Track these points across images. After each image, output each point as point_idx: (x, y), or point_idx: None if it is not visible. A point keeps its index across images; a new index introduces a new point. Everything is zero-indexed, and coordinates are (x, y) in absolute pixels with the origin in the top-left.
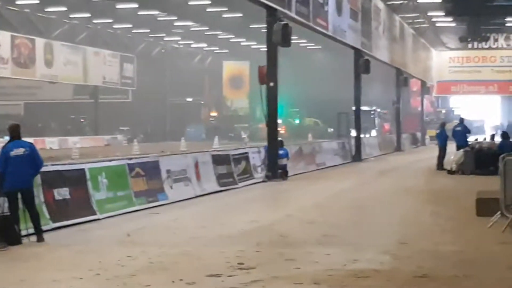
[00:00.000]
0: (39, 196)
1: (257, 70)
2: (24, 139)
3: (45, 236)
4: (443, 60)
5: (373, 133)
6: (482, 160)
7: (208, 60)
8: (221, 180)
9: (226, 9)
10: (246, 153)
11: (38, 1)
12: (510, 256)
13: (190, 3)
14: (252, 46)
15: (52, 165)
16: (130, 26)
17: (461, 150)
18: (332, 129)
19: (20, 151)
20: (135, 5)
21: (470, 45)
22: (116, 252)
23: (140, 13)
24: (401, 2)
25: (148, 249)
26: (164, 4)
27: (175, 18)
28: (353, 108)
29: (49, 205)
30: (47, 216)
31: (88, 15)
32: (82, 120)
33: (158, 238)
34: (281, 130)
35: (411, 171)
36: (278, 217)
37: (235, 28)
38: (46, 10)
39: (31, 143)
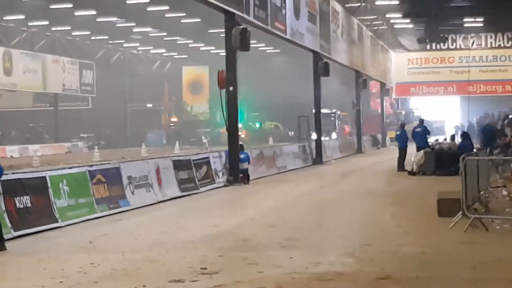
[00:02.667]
0: (1, 205)
1: (216, 75)
2: None
3: (7, 244)
4: (402, 61)
5: (334, 135)
6: (442, 160)
7: (167, 66)
8: (182, 185)
9: (185, 14)
10: (207, 158)
11: None
12: (472, 256)
13: (148, 9)
14: (211, 51)
15: (13, 173)
16: (89, 33)
17: (422, 151)
18: (292, 132)
19: None
20: (93, 12)
21: (428, 46)
22: (79, 259)
23: (98, 20)
24: (359, 4)
25: (110, 256)
26: (122, 11)
27: (134, 24)
28: (313, 111)
29: (11, 213)
30: (9, 224)
31: (46, 22)
32: (39, 128)
33: (121, 244)
34: (242, 134)
35: (372, 172)
36: (240, 221)
37: (194, 33)
38: (4, 18)
39: None
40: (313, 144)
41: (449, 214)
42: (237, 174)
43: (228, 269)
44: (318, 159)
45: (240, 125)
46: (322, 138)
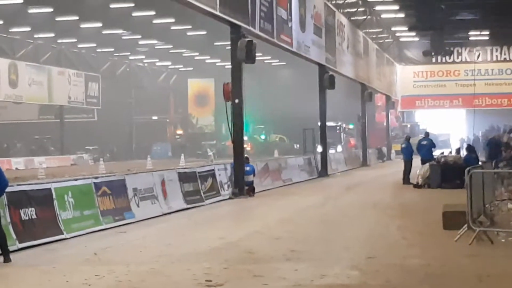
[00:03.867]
0: (6, 217)
1: (222, 87)
2: None
3: (12, 256)
4: (408, 74)
5: (339, 148)
6: (448, 173)
7: (173, 78)
8: (187, 197)
9: (190, 27)
10: (212, 170)
11: (1, 22)
12: (478, 269)
13: (154, 21)
14: (217, 64)
15: (18, 185)
16: (95, 45)
17: (427, 164)
18: (298, 145)
19: None
20: (99, 24)
21: (434, 59)
22: (84, 271)
23: (104, 32)
24: (364, 17)
25: (115, 268)
26: (128, 23)
27: (140, 36)
28: (319, 123)
29: (16, 225)
30: (14, 236)
31: (52, 35)
32: (45, 140)
33: (125, 256)
34: (247, 147)
35: (377, 185)
36: (246, 233)
37: (199, 46)
38: (10, 30)
39: None
40: (319, 157)
41: (455, 227)
42: (243, 187)
43: (233, 281)
44: (323, 172)
45: (245, 138)
46: (328, 151)
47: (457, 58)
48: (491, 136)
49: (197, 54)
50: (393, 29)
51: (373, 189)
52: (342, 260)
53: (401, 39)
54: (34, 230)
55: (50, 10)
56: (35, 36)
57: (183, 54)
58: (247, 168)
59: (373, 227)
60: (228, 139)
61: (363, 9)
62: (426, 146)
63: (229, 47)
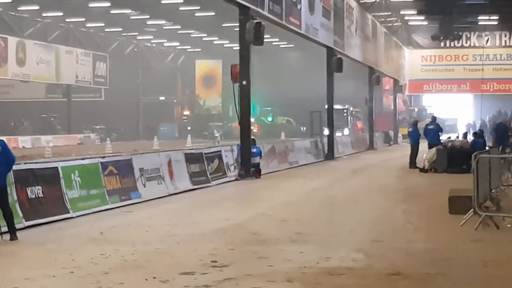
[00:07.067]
0: (13, 195)
1: (229, 69)
2: None
3: (19, 234)
4: (416, 58)
5: (346, 131)
6: (454, 158)
7: (180, 59)
8: (194, 178)
9: (199, 8)
10: (219, 151)
11: (10, 0)
12: (483, 254)
13: (162, 2)
14: (225, 45)
15: (25, 163)
16: (103, 25)
17: (434, 148)
18: (305, 128)
19: None
20: (108, 4)
21: (442, 44)
22: (90, 250)
23: (112, 12)
24: (373, 0)
25: (121, 247)
26: (136, 3)
27: (148, 17)
28: (326, 106)
29: (23, 203)
30: (20, 214)
31: (60, 14)
32: (52, 119)
33: (132, 236)
34: (254, 128)
35: (384, 169)
36: (251, 215)
37: (207, 26)
38: (18, 9)
39: (2, 140)
40: (325, 140)
41: (460, 212)
42: (249, 168)
43: (239, 263)
44: (330, 155)
45: (252, 120)
46: (334, 134)
47: (466, 42)
48: (499, 121)
49: (205, 35)
50: (401, 12)
51: (379, 172)
52: (348, 243)
53: (410, 23)
54: (41, 208)
55: None
56: (44, 14)
57: (191, 35)
58: (254, 150)
59: (379, 210)
60: (235, 121)
61: None
62: (433, 130)
63: (238, 29)
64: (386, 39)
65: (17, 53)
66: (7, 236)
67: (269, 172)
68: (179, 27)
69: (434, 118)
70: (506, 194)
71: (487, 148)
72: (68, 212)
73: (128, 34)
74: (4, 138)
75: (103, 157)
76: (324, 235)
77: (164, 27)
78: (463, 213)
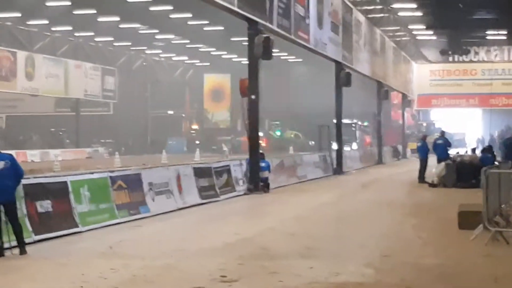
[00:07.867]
0: (22, 209)
1: (238, 83)
2: (5, 151)
3: (28, 248)
4: (424, 73)
5: (354, 146)
6: (463, 173)
7: (189, 73)
8: (203, 192)
9: (208, 22)
10: (227, 165)
11: (19, 14)
12: (493, 269)
13: (171, 16)
14: (233, 59)
15: (35, 177)
16: (112, 39)
17: (443, 163)
18: (313, 142)
19: (0, 164)
20: (117, 18)
21: (450, 58)
22: (99, 264)
23: (121, 26)
24: (382, 15)
25: (130, 262)
26: (145, 18)
27: (157, 31)
28: (334, 121)
29: (32, 217)
30: (30, 229)
31: (69, 28)
32: (60, 133)
33: (141, 250)
34: (262, 142)
35: (392, 184)
36: (260, 229)
37: (216, 41)
38: (27, 23)
39: (11, 155)
40: (334, 154)
41: (470, 227)
42: (258, 183)
43: (248, 278)
44: (338, 169)
45: (260, 134)
46: (343, 148)
47: (474, 57)
48: (508, 136)
49: (214, 49)
50: (410, 27)
51: (388, 187)
52: (357, 258)
53: (418, 38)
54: (50, 222)
55: (68, 3)
56: (53, 29)
57: (200, 49)
58: (262, 164)
59: (388, 225)
60: (243, 135)
61: (381, 6)
62: (442, 145)
63: (246, 43)
64: (394, 53)
65: (26, 67)
66: (16, 251)
67: (278, 187)
68: (188, 41)
69: (442, 133)
70: None
71: (496, 163)
72: (77, 226)
73: (137, 48)
74: (13, 152)
75: (112, 171)
76: (334, 249)
77: (173, 41)
78: (473, 228)
